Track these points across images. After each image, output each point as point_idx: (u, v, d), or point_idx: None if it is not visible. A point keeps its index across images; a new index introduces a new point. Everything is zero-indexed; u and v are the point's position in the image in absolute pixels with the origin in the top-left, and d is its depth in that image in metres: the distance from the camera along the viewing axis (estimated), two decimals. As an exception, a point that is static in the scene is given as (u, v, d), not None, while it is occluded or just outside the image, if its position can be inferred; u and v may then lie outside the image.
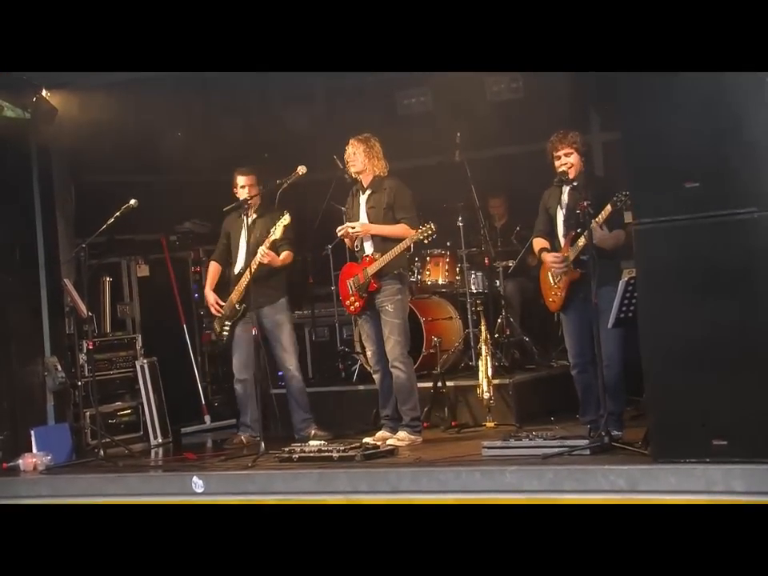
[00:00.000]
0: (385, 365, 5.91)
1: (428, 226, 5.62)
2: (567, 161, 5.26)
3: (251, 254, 6.23)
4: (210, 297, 6.50)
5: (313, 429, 6.28)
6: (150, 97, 6.31)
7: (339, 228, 5.95)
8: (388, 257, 5.75)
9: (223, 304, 6.41)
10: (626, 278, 4.76)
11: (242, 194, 6.27)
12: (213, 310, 6.47)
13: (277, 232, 6.05)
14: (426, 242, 5.71)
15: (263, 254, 6.10)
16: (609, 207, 4.99)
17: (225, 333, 6.40)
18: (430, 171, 7.76)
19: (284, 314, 6.38)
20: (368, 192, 5.93)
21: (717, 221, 4.05)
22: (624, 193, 4.86)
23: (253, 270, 6.11)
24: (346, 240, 6.03)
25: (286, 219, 6.03)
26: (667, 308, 4.19)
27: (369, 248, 5.91)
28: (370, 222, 5.88)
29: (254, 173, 6.35)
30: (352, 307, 6.02)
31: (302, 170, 6.04)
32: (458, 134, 6.67)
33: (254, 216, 6.31)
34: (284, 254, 6.26)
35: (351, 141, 5.91)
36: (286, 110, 7.37)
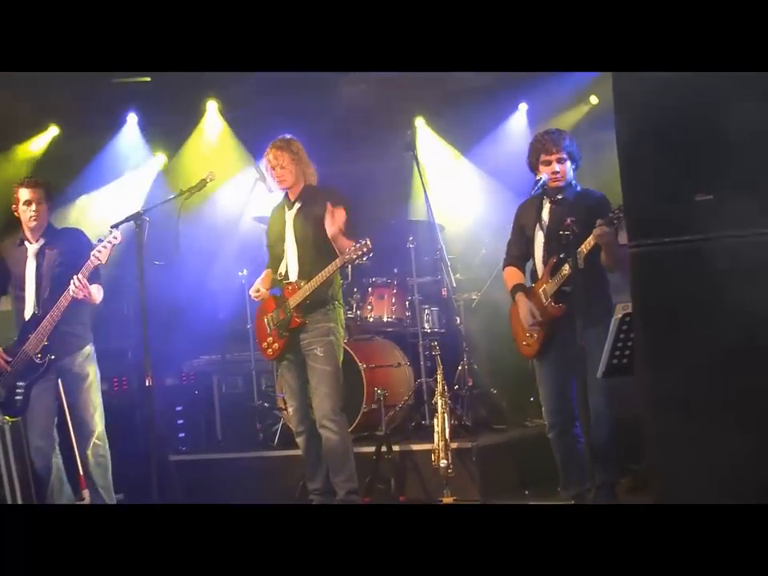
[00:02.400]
0: (311, 425, 5.82)
1: (363, 242, 5.51)
2: (559, 168, 5.18)
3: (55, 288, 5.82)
4: None
5: None
6: None
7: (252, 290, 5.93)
8: (314, 283, 5.65)
9: (9, 359, 5.90)
10: (620, 315, 4.67)
11: (26, 212, 5.94)
12: None
13: (101, 255, 5.66)
14: (359, 261, 5.62)
15: (77, 285, 5.70)
16: (603, 227, 4.90)
17: (18, 399, 5.88)
18: (373, 177, 7.76)
19: (87, 366, 6.01)
20: (296, 206, 5.86)
21: (736, 242, 3.96)
22: (618, 208, 4.81)
23: (62, 308, 5.76)
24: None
25: (116, 237, 5.65)
26: (675, 351, 4.09)
27: (293, 274, 5.79)
28: (298, 241, 5.83)
29: (42, 186, 6.02)
30: (270, 350, 5.92)
31: (210, 176, 5.90)
32: (409, 132, 6.59)
33: (42, 242, 5.98)
34: (94, 288, 5.84)
35: (270, 149, 5.87)
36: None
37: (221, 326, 8.46)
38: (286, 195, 5.97)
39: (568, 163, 5.25)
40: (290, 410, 5.95)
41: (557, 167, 5.22)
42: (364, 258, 5.57)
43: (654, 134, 4.21)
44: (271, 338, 5.90)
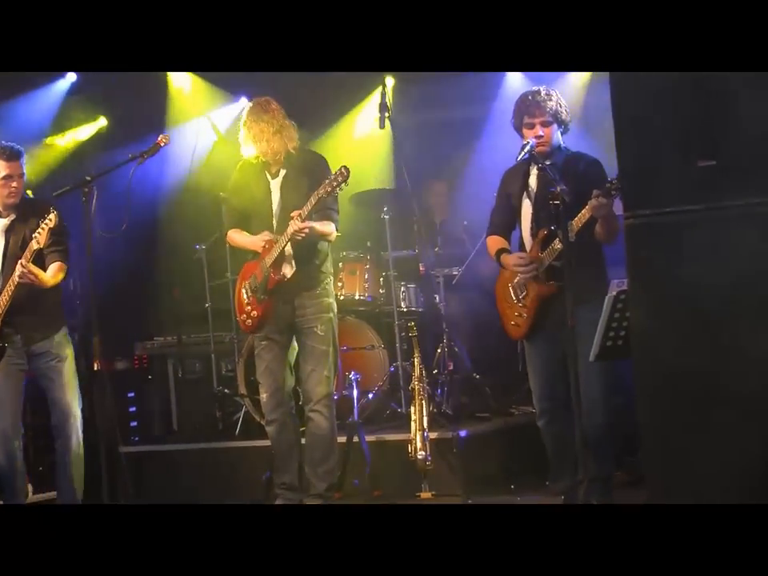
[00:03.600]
0: (285, 412, 5.84)
1: (338, 171, 5.52)
2: (543, 132, 5.19)
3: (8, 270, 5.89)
4: None
5: None
6: None
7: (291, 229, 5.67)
8: (288, 234, 5.61)
9: None
10: (614, 292, 4.69)
11: (4, 188, 5.89)
12: None
13: (40, 238, 5.67)
14: (338, 190, 5.58)
15: (22, 270, 5.71)
16: (600, 198, 4.91)
17: None
18: (343, 140, 7.75)
19: (64, 348, 6.06)
20: (282, 173, 5.88)
21: (741, 212, 3.99)
22: (613, 179, 4.82)
23: (10, 293, 5.79)
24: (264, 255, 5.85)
25: (51, 220, 5.65)
26: (673, 332, 4.11)
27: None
28: (285, 210, 5.77)
29: (21, 156, 5.99)
30: (249, 321, 5.88)
31: (164, 139, 5.86)
32: (384, 90, 6.56)
33: (12, 217, 6.00)
34: (53, 268, 5.93)
35: (248, 114, 5.83)
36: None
37: (177, 305, 8.44)
38: (264, 162, 5.91)
39: (554, 126, 5.25)
40: (264, 394, 5.89)
41: (540, 131, 5.22)
42: (341, 187, 5.55)
43: (653, 96, 4.24)
44: (249, 307, 5.86)
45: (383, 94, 6.43)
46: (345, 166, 5.52)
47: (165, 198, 8.74)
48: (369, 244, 7.74)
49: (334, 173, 5.55)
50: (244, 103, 9.00)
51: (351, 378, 6.82)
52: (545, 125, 5.23)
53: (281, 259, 5.74)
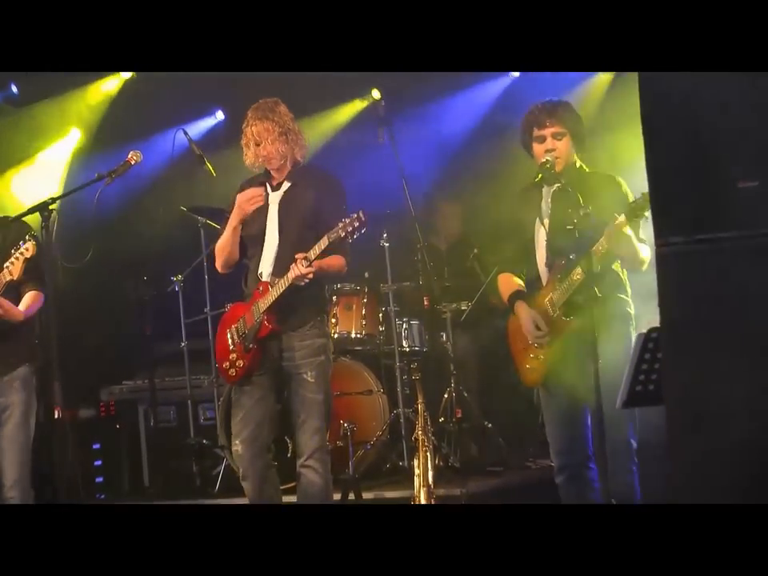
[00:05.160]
0: (263, 467, 5.80)
1: (355, 215, 5.45)
2: (556, 145, 5.19)
3: None
4: None
5: None
6: None
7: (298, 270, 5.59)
8: (288, 279, 5.57)
9: None
10: (644, 330, 4.68)
11: None
12: None
13: (13, 269, 5.70)
14: (350, 239, 5.53)
15: None
16: (622, 218, 4.91)
17: None
18: (336, 156, 7.76)
19: (21, 392, 5.97)
20: (285, 187, 5.84)
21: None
22: (640, 197, 4.83)
23: None
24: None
25: (27, 249, 5.66)
26: (712, 375, 4.10)
27: (267, 267, 5.78)
28: (281, 231, 5.76)
29: None
30: (232, 371, 5.84)
31: (135, 156, 5.88)
32: (382, 102, 6.60)
33: None
34: (28, 298, 5.93)
35: (252, 119, 5.79)
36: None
37: (149, 344, 8.42)
38: (267, 172, 5.89)
39: (567, 139, 5.24)
40: (240, 445, 5.80)
41: (551, 143, 5.22)
42: (355, 235, 5.52)
43: (689, 104, 4.24)
44: (235, 355, 5.80)
45: (380, 107, 6.46)
46: (363, 211, 5.46)
47: (136, 222, 8.73)
48: (366, 275, 7.75)
49: (351, 216, 5.47)
50: (220, 117, 9.15)
51: (346, 428, 6.80)
52: (557, 137, 5.21)
53: (277, 306, 5.67)
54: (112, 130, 8.84)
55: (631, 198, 5.06)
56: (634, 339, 4.58)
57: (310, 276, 5.58)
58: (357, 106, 9.10)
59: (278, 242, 5.80)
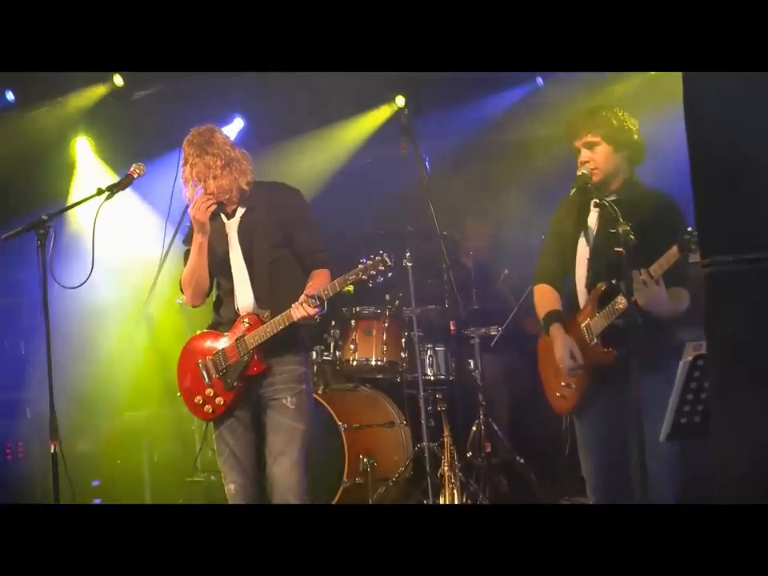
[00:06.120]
0: (259, 500, 5.77)
1: (379, 257, 5.45)
2: (590, 156, 5.18)
3: None
4: None
5: None
6: None
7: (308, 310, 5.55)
8: (287, 318, 5.57)
9: None
10: (689, 357, 4.66)
11: None
12: None
13: None
14: (372, 281, 5.52)
15: None
16: (675, 249, 4.89)
17: None
18: (355, 170, 7.76)
19: None
20: (240, 212, 5.84)
21: None
22: (689, 229, 4.81)
23: None
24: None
25: None
26: (764, 406, 4.07)
27: (246, 298, 5.75)
28: (247, 259, 5.77)
29: None
30: (208, 408, 5.82)
31: (138, 169, 5.88)
32: (405, 111, 6.60)
33: None
34: None
35: (188, 147, 5.77)
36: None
37: (154, 371, 8.43)
38: (221, 204, 5.85)
39: (602, 148, 5.21)
40: (232, 487, 5.79)
41: (585, 154, 5.22)
42: (379, 279, 5.51)
43: (740, 110, 4.22)
44: (211, 391, 5.78)
45: (403, 115, 6.46)
46: (388, 254, 5.46)
47: (138, 242, 8.76)
48: (387, 297, 7.74)
49: (374, 258, 5.48)
50: (239, 124, 9.18)
51: (366, 463, 6.80)
52: (589, 146, 5.22)
53: (268, 344, 5.66)
54: (119, 141, 8.88)
55: (687, 227, 4.99)
56: (680, 367, 4.55)
57: (317, 317, 5.59)
58: (379, 114, 9.13)
59: (246, 271, 5.78)
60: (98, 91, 8.82)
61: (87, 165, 8.97)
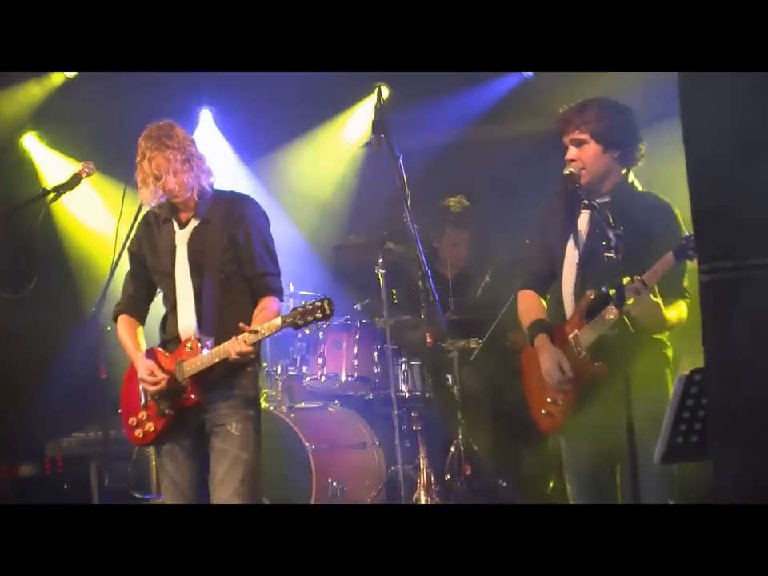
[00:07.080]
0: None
1: (319, 302, 5.46)
2: (576, 155, 5.18)
3: None
4: None
5: None
6: None
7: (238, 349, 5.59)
8: (224, 351, 5.56)
9: None
10: (686, 372, 4.68)
11: None
12: None
13: None
14: (305, 326, 5.57)
15: None
16: (670, 256, 4.88)
17: None
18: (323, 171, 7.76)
19: None
20: (193, 224, 5.82)
21: None
22: (686, 234, 4.81)
23: None
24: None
25: None
26: (765, 425, 4.07)
27: (188, 318, 5.74)
28: (195, 278, 5.75)
29: None
30: (139, 431, 5.83)
31: (86, 168, 5.89)
32: (377, 105, 6.59)
33: None
34: None
35: (146, 141, 5.75)
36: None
37: (102, 390, 8.37)
38: (172, 207, 5.85)
39: (591, 146, 5.22)
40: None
41: (572, 152, 5.23)
42: (314, 325, 5.52)
43: (737, 112, 4.23)
44: (144, 414, 5.77)
45: (375, 109, 6.45)
46: (329, 300, 5.46)
47: (85, 245, 8.72)
48: (358, 307, 7.74)
49: (312, 302, 5.49)
50: (206, 116, 9.18)
51: (335, 487, 6.79)
52: (576, 143, 5.23)
53: (206, 375, 5.64)
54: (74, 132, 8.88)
55: (684, 232, 5.00)
56: (675, 384, 4.56)
57: (252, 356, 5.61)
58: (351, 112, 9.17)
59: (192, 289, 5.76)
60: (45, 85, 8.84)
61: (45, 160, 8.98)
